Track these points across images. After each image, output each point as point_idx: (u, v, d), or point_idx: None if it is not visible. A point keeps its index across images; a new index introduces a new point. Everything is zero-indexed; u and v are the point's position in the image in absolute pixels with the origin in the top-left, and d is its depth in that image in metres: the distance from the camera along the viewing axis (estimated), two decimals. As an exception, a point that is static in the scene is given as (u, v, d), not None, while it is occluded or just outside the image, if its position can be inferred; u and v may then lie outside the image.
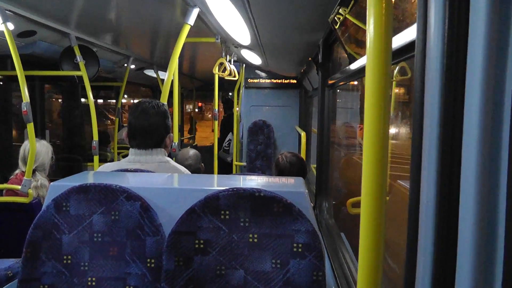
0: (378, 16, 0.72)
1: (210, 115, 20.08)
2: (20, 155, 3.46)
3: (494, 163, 0.66)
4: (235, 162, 6.32)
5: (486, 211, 0.66)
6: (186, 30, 2.66)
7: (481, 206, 0.67)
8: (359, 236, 0.76)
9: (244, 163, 6.81)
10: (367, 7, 0.73)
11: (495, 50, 0.65)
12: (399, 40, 1.19)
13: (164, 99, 2.64)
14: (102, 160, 5.01)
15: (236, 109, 6.48)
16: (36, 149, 3.24)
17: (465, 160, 0.70)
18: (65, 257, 1.46)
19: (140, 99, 2.30)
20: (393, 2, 0.75)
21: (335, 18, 2.04)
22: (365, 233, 0.75)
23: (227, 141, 7.32)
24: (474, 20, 0.68)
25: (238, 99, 6.66)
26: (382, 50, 0.72)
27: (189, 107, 13.49)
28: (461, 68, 0.71)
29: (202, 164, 3.30)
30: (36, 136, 3.15)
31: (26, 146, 3.42)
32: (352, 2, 1.84)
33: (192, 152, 3.25)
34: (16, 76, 2.91)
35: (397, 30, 1.19)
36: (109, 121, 12.30)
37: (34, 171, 3.32)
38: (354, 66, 2.12)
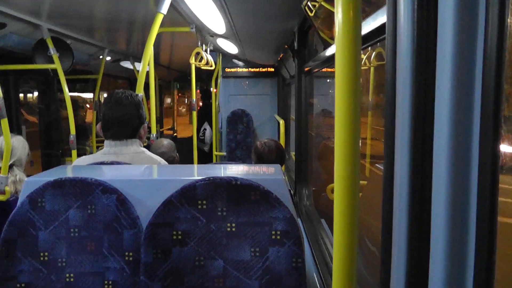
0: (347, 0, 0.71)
1: (184, 109, 18.61)
2: None
3: (465, 139, 0.66)
4: (215, 152, 6.30)
5: (458, 210, 0.67)
6: (159, 19, 2.63)
7: (453, 205, 0.67)
8: (333, 223, 0.76)
9: (224, 153, 6.79)
10: None
11: (465, 28, 0.65)
12: (370, 23, 1.18)
13: (139, 90, 2.61)
14: (81, 155, 4.94)
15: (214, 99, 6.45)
16: (12, 144, 3.18)
17: (437, 140, 0.70)
18: (41, 254, 1.44)
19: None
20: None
21: (309, 3, 2.03)
22: (339, 219, 0.75)
23: (202, 130, 7.29)
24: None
25: (216, 89, 6.62)
26: (351, 34, 0.72)
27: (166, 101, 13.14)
28: (432, 48, 0.71)
29: (177, 154, 3.30)
30: (12, 131, 3.09)
31: (1, 142, 3.36)
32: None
33: (166, 141, 3.26)
34: None
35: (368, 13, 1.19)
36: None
37: (11, 166, 3.27)
38: (329, 52, 2.12)
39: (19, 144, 3.42)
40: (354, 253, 0.75)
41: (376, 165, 2.49)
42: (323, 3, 1.89)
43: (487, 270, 0.64)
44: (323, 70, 2.95)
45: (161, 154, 2.60)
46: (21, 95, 5.49)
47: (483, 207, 0.64)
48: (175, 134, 9.89)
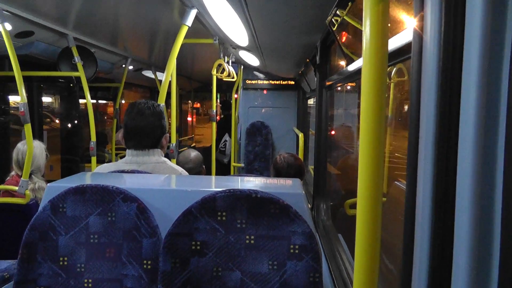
0: (375, 18, 0.72)
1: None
2: (14, 159, 3.43)
3: (489, 164, 0.66)
4: (233, 164, 6.31)
5: (482, 212, 0.66)
6: (183, 31, 2.66)
7: (477, 207, 0.67)
8: (355, 238, 0.76)
9: (242, 165, 6.80)
10: (363, 9, 0.73)
11: (490, 52, 0.65)
12: (396, 42, 1.19)
13: (161, 100, 2.64)
14: (100, 161, 4.99)
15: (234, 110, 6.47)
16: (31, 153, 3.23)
17: (461, 162, 0.70)
18: (61, 258, 1.46)
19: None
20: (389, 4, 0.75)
21: (333, 19, 2.04)
22: (361, 234, 0.75)
23: (223, 142, 7.32)
24: (470, 22, 0.68)
25: (236, 100, 6.65)
26: (378, 52, 0.72)
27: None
28: (457, 70, 0.71)
29: (204, 167, 3.27)
30: (34, 137, 3.14)
31: (19, 149, 3.40)
32: (350, 4, 1.84)
33: (193, 154, 3.21)
34: (14, 76, 2.90)
35: (394, 31, 1.20)
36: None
37: (30, 174, 3.30)
38: (352, 67, 2.12)
39: (37, 151, 3.44)
40: (375, 269, 0.75)
41: (396, 182, 2.47)
42: (346, 17, 1.90)
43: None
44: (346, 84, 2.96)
45: (188, 170, 2.59)
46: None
47: (509, 217, 0.63)
48: (193, 144, 9.93)
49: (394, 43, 1.19)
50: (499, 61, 0.64)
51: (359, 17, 1.81)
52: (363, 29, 0.73)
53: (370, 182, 0.74)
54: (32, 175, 3.36)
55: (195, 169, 3.07)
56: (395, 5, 1.34)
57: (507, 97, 0.63)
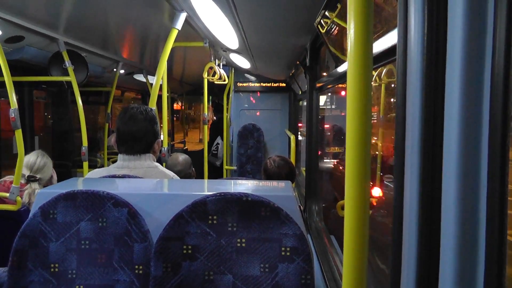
0: (359, 21, 0.72)
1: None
2: (24, 162, 3.38)
3: (474, 163, 0.67)
4: (225, 166, 6.31)
5: (468, 209, 0.67)
6: (173, 34, 2.66)
7: (462, 204, 0.68)
8: (344, 238, 0.77)
9: (234, 167, 6.80)
10: (348, 12, 0.74)
11: (473, 52, 0.66)
12: (381, 44, 1.20)
13: (152, 104, 2.63)
14: (92, 166, 4.97)
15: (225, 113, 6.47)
16: (46, 163, 3.21)
17: (446, 161, 0.71)
18: (52, 265, 1.45)
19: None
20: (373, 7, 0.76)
21: (321, 21, 2.05)
22: (350, 234, 0.75)
23: (215, 145, 7.32)
24: (452, 24, 0.69)
25: (227, 103, 6.65)
26: (363, 54, 0.73)
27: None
28: (441, 71, 0.72)
29: (193, 169, 3.28)
30: (25, 142, 3.12)
31: (31, 158, 3.35)
32: (339, 6, 1.85)
33: (182, 157, 3.23)
34: (4, 82, 2.89)
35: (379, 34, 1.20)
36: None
37: (34, 180, 3.26)
38: (341, 69, 2.13)
39: (50, 164, 3.40)
40: (363, 270, 0.75)
41: (385, 182, 2.48)
42: (335, 19, 1.91)
43: (498, 278, 0.64)
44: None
45: (177, 172, 2.60)
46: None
47: (493, 214, 0.64)
48: (185, 147, 9.91)
49: (379, 45, 1.20)
50: (481, 61, 0.66)
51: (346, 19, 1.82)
52: (347, 32, 0.74)
53: (357, 183, 0.74)
54: (36, 182, 3.31)
55: (183, 171, 3.08)
56: (380, 7, 1.35)
57: (489, 96, 0.64)
